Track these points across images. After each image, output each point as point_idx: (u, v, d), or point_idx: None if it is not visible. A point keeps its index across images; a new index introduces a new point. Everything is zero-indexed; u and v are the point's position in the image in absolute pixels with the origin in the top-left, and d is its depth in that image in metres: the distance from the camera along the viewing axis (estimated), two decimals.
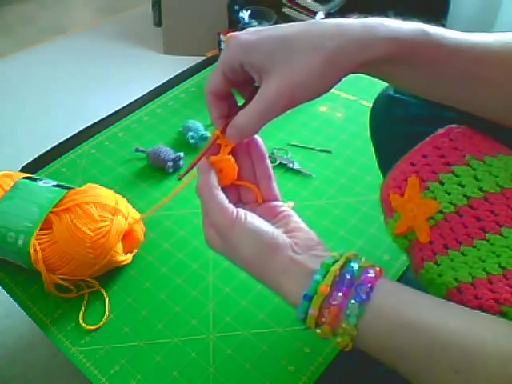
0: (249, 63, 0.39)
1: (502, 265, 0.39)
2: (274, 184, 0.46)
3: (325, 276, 0.37)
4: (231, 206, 0.41)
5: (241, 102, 0.44)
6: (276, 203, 0.45)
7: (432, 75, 0.41)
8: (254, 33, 0.39)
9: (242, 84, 0.43)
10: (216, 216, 0.40)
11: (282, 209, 0.45)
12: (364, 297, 0.35)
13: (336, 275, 0.37)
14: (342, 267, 0.37)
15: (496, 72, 0.41)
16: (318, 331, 0.37)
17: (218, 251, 0.43)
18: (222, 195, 0.41)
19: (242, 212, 0.40)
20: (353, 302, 0.35)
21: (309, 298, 0.36)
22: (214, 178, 0.42)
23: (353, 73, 0.39)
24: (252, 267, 0.40)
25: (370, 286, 0.36)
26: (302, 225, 0.43)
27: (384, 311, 0.35)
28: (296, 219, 0.43)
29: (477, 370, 0.32)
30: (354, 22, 0.38)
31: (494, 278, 0.39)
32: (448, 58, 0.40)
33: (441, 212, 0.42)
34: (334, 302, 0.36)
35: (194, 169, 0.44)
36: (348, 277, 0.36)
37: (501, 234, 0.40)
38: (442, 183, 0.43)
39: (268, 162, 0.46)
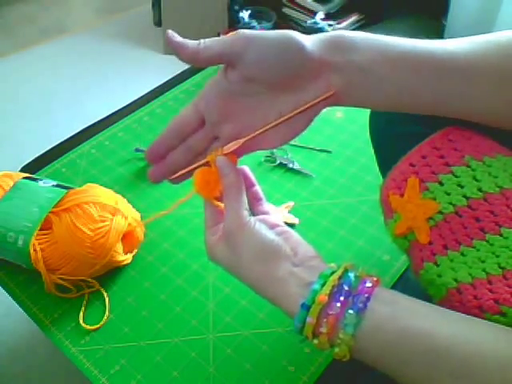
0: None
1: (501, 265, 0.39)
2: (266, 204, 0.49)
3: (323, 286, 0.37)
4: (246, 213, 0.42)
5: None
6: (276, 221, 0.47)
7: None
8: None
9: None
10: (230, 218, 0.42)
11: (281, 225, 0.46)
12: (361, 306, 0.36)
13: (334, 285, 0.37)
14: (340, 277, 0.38)
15: (486, 89, 0.41)
16: (316, 341, 0.37)
17: (219, 259, 0.44)
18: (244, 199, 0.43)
19: (252, 219, 0.42)
20: (350, 311, 0.36)
21: (307, 308, 0.37)
22: (241, 181, 0.44)
23: None
24: (252, 273, 0.41)
25: (367, 295, 0.36)
26: (302, 240, 0.44)
27: (381, 320, 0.35)
28: (296, 234, 0.44)
29: (477, 376, 0.32)
30: None
31: (493, 278, 0.39)
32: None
33: (440, 212, 0.42)
34: (332, 312, 0.36)
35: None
36: (346, 287, 0.37)
37: (500, 235, 0.40)
38: (441, 184, 0.43)
39: (258, 187, 0.49)
